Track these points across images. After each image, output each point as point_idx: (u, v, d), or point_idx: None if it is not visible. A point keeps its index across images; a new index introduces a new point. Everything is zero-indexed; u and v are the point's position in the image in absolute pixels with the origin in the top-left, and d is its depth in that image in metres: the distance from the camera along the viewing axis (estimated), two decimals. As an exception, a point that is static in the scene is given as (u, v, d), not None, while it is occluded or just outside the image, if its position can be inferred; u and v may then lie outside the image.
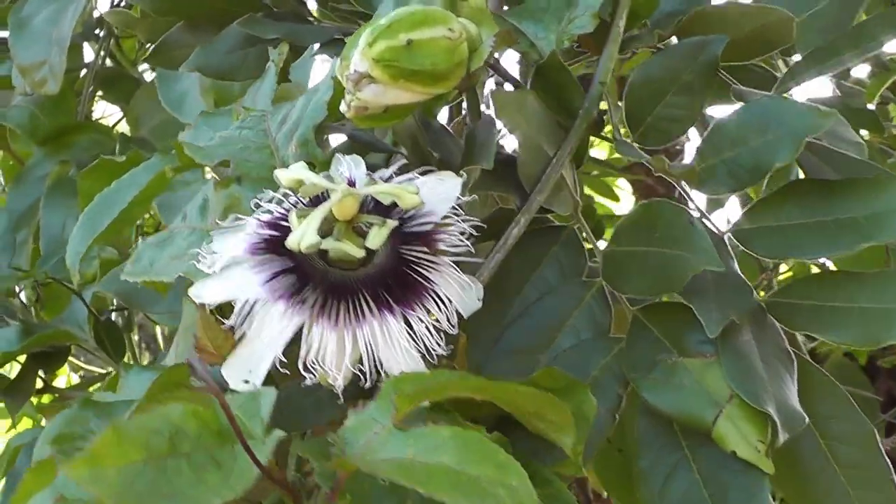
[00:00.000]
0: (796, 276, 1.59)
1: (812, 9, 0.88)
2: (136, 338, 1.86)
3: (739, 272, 0.79)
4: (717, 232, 0.81)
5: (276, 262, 0.70)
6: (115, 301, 1.91)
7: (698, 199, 0.85)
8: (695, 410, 0.72)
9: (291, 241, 0.67)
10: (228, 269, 0.71)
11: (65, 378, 2.17)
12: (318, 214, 0.67)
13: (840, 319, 0.75)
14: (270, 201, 0.74)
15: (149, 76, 1.91)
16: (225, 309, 0.73)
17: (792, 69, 0.87)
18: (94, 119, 1.91)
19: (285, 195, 0.74)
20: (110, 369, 1.71)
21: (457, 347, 0.80)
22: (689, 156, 1.84)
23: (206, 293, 0.71)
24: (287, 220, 0.72)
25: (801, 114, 0.77)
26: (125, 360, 1.59)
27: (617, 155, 1.91)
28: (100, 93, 1.88)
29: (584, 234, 0.84)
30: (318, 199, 0.72)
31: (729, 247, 0.80)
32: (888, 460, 0.75)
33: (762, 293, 0.81)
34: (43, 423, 1.78)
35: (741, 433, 0.70)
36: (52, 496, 0.62)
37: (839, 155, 0.80)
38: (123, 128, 1.89)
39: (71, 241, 0.88)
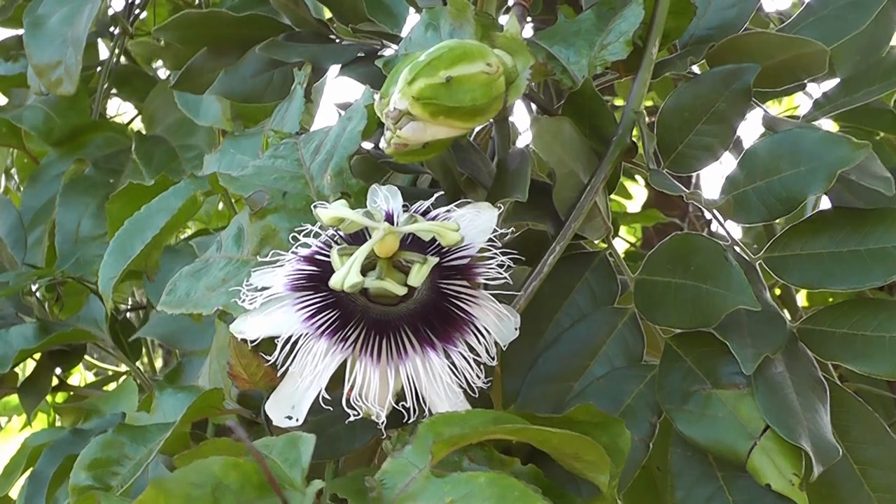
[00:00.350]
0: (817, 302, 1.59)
1: (847, 35, 0.88)
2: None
3: (772, 302, 0.79)
4: (748, 260, 0.82)
5: (317, 298, 0.71)
6: (129, 300, 1.92)
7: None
8: (729, 442, 0.72)
9: (335, 282, 0.67)
10: (269, 305, 0.72)
11: (79, 376, 2.18)
12: (361, 255, 0.68)
13: (871, 349, 0.76)
14: (308, 234, 0.75)
15: (163, 74, 1.91)
16: (263, 343, 0.73)
17: (823, 101, 0.87)
18: (108, 117, 1.91)
19: (322, 227, 0.75)
20: (123, 367, 1.72)
21: (493, 375, 0.81)
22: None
23: (247, 329, 0.72)
24: (325, 254, 0.72)
25: (834, 146, 0.77)
26: (141, 359, 1.59)
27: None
28: (114, 90, 1.88)
29: (614, 261, 0.84)
30: (357, 235, 0.73)
31: (760, 275, 0.81)
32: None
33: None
34: (58, 422, 1.79)
35: (775, 466, 0.71)
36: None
37: (865, 188, 0.81)
38: (138, 125, 1.89)
39: (103, 267, 0.89)
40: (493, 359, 0.71)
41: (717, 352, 0.76)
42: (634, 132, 0.85)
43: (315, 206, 0.72)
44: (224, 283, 0.77)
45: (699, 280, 0.76)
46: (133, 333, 1.59)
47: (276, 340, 0.70)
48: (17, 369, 1.57)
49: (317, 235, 0.75)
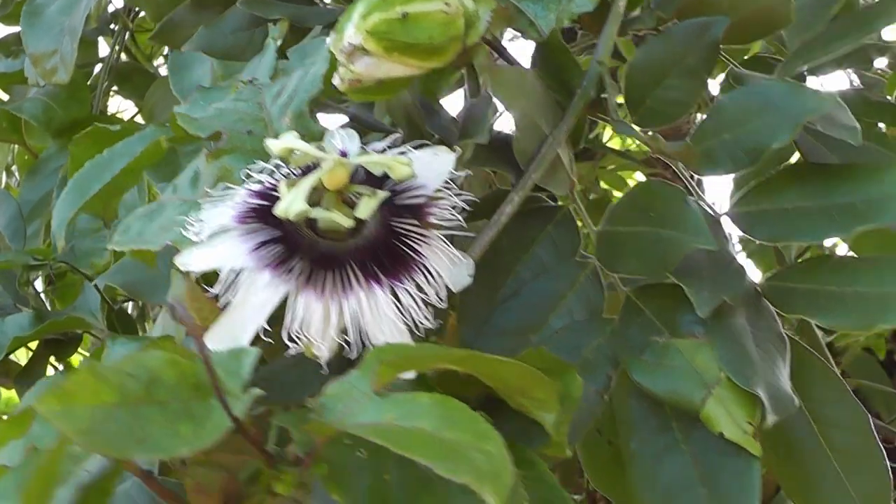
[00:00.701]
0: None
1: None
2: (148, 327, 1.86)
3: (734, 254, 0.78)
4: (713, 214, 0.80)
5: (265, 231, 0.69)
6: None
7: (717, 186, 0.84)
8: (684, 392, 0.70)
9: (280, 209, 0.66)
10: (216, 238, 0.71)
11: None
12: (308, 182, 0.67)
13: (836, 304, 0.74)
14: (261, 172, 0.74)
15: (163, 71, 1.92)
16: (211, 280, 0.72)
17: (798, 52, 0.86)
18: (109, 114, 1.92)
19: (277, 166, 0.74)
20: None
21: (447, 326, 0.79)
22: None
23: (192, 261, 0.71)
24: (277, 191, 0.71)
25: (800, 96, 0.76)
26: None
27: (633, 147, 1.90)
28: (115, 88, 1.89)
29: (579, 215, 0.83)
30: (309, 170, 0.72)
31: (724, 229, 0.79)
32: (882, 446, 0.74)
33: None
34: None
35: (730, 414, 0.69)
36: (25, 446, 0.61)
37: (839, 142, 0.79)
38: (138, 122, 1.90)
39: (57, 206, 0.87)
40: (442, 301, 0.70)
41: (676, 303, 0.74)
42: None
43: (266, 140, 0.71)
44: (177, 224, 0.76)
45: (658, 226, 0.75)
46: (130, 322, 1.58)
47: (219, 272, 0.69)
48: (16, 360, 1.57)
49: (271, 174, 0.74)
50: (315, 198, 0.69)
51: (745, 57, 0.94)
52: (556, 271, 0.80)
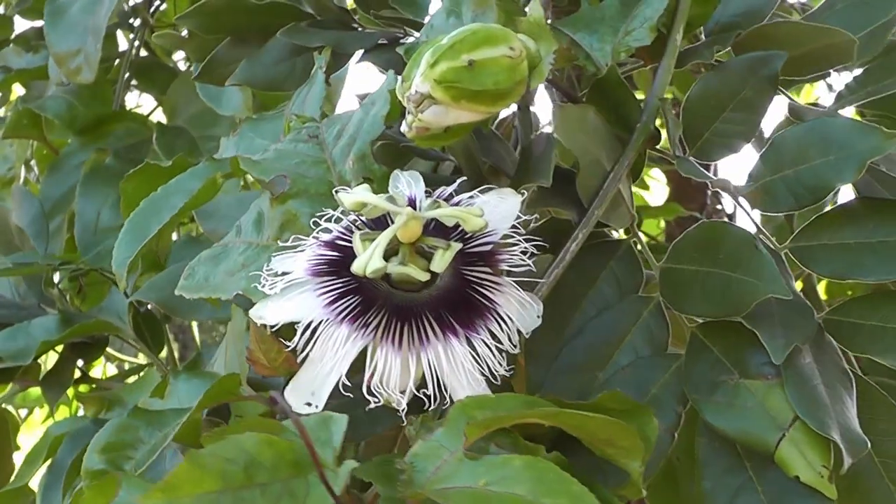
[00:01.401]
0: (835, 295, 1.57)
1: (872, 24, 0.87)
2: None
3: (798, 291, 0.78)
4: (774, 248, 0.80)
5: (339, 283, 0.70)
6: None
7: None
8: (758, 433, 0.71)
9: (357, 267, 0.66)
10: (289, 290, 0.71)
11: (100, 368, 2.19)
12: (384, 240, 0.67)
13: (902, 343, 0.75)
14: (330, 220, 0.74)
15: (183, 65, 1.91)
16: (282, 329, 0.73)
17: (846, 91, 0.86)
18: (127, 108, 1.91)
19: (344, 212, 0.74)
20: (143, 359, 1.72)
21: (516, 365, 0.80)
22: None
23: (267, 314, 0.71)
24: (347, 240, 0.71)
25: (865, 135, 0.76)
26: (162, 352, 1.59)
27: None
28: (134, 82, 1.87)
29: (639, 249, 0.83)
30: (379, 220, 0.72)
31: (787, 265, 0.80)
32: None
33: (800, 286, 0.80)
34: (80, 411, 1.79)
35: (805, 458, 0.70)
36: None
37: (894, 179, 0.79)
38: (158, 116, 1.89)
39: (117, 247, 0.87)
40: (515, 346, 0.71)
41: (744, 342, 0.75)
42: (659, 121, 0.84)
43: (337, 191, 0.71)
44: (244, 268, 0.77)
45: (728, 269, 0.75)
46: (156, 325, 1.59)
47: (296, 326, 0.70)
48: (39, 361, 1.57)
49: (338, 221, 0.74)
50: (389, 249, 0.70)
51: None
52: (620, 307, 0.80)
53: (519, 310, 0.72)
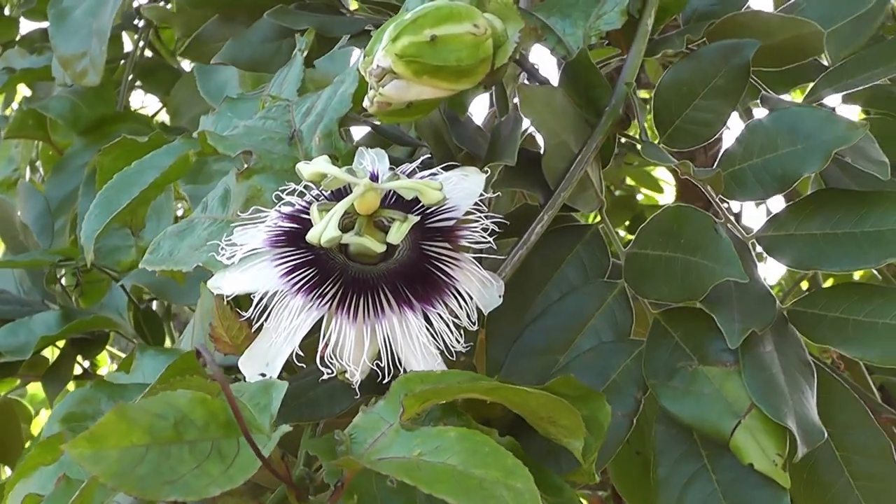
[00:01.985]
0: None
1: (851, 16, 0.87)
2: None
3: (763, 281, 0.77)
4: (741, 238, 0.80)
5: (296, 255, 0.70)
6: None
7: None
8: (714, 420, 0.70)
9: (312, 235, 0.66)
10: (248, 261, 0.71)
11: (106, 369, 2.19)
12: (340, 209, 0.67)
13: (864, 335, 0.74)
14: (292, 193, 0.74)
15: (188, 66, 1.92)
16: (242, 300, 0.73)
17: (824, 79, 0.86)
18: (131, 109, 1.93)
19: (307, 188, 0.74)
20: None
21: (476, 345, 0.79)
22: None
23: (225, 284, 0.71)
24: (308, 213, 0.71)
25: (832, 125, 0.75)
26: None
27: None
28: (138, 83, 1.89)
29: (609, 234, 0.82)
30: (340, 193, 0.72)
31: (753, 254, 0.79)
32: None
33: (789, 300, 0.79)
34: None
35: (759, 446, 0.69)
36: (57, 474, 0.62)
37: (862, 171, 0.79)
38: (162, 118, 1.90)
39: (87, 218, 0.87)
40: (473, 324, 0.70)
41: (705, 328, 0.74)
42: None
43: (298, 164, 0.71)
44: (207, 243, 0.77)
45: (689, 252, 0.74)
46: (156, 322, 1.59)
47: (252, 297, 0.70)
48: (46, 356, 1.58)
49: (302, 195, 0.74)
50: (347, 222, 0.70)
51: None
52: (584, 291, 0.80)
53: (479, 288, 0.71)
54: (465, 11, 0.73)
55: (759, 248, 0.81)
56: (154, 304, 1.74)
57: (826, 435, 0.70)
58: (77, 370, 1.60)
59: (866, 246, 0.75)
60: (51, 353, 1.61)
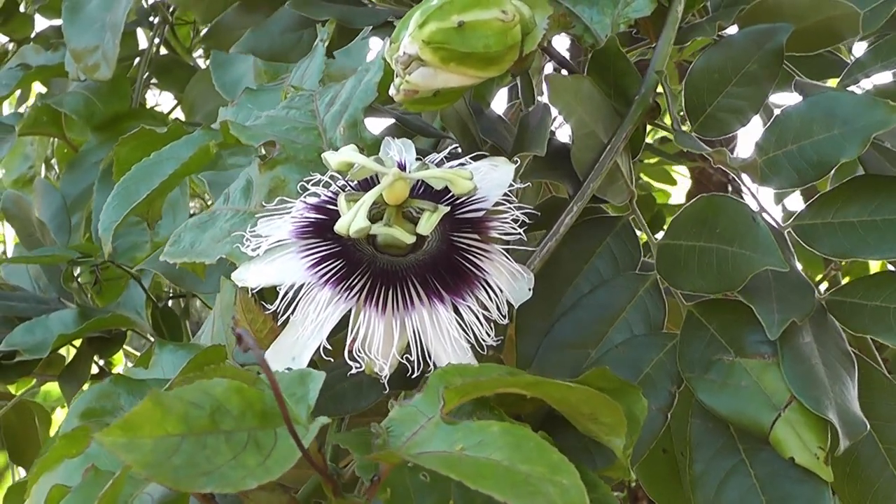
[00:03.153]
0: (857, 273, 1.54)
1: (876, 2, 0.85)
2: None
3: (800, 270, 0.75)
4: (777, 227, 0.78)
5: (323, 246, 0.68)
6: (172, 288, 1.92)
7: (763, 190, 0.82)
8: (752, 413, 0.69)
9: (340, 226, 0.65)
10: (273, 253, 0.69)
11: (121, 368, 2.19)
12: (369, 199, 0.65)
13: (906, 322, 0.72)
14: (318, 184, 0.72)
15: (203, 63, 1.91)
16: (266, 293, 0.71)
17: (859, 62, 0.84)
18: (147, 106, 1.92)
19: (333, 178, 0.72)
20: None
21: (505, 338, 0.78)
22: (742, 142, 1.80)
23: (250, 277, 0.70)
24: (334, 204, 0.70)
25: (870, 109, 0.74)
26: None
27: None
28: (154, 80, 1.88)
29: (639, 226, 0.81)
30: (367, 183, 0.70)
31: (790, 243, 0.77)
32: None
33: (826, 286, 0.78)
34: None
35: (800, 439, 0.67)
36: (84, 465, 0.60)
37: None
38: (177, 115, 1.89)
39: (105, 210, 0.86)
40: (504, 317, 0.69)
41: (741, 320, 0.73)
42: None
43: (324, 153, 0.70)
44: (230, 235, 0.75)
45: (725, 242, 0.73)
46: (174, 320, 1.58)
47: (278, 289, 0.68)
48: (63, 355, 1.57)
49: (327, 186, 0.72)
50: (375, 212, 0.68)
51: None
52: (616, 284, 0.78)
53: (509, 280, 0.70)
54: (493, -2, 0.71)
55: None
56: (171, 303, 1.73)
57: (868, 426, 0.68)
58: (94, 369, 1.58)
59: (905, 232, 0.73)
60: (67, 352, 1.60)
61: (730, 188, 1.82)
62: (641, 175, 2.08)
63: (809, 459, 0.67)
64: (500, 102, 1.28)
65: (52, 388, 1.85)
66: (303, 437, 0.54)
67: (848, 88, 0.86)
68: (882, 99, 0.74)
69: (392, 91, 0.72)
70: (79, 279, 1.64)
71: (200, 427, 0.52)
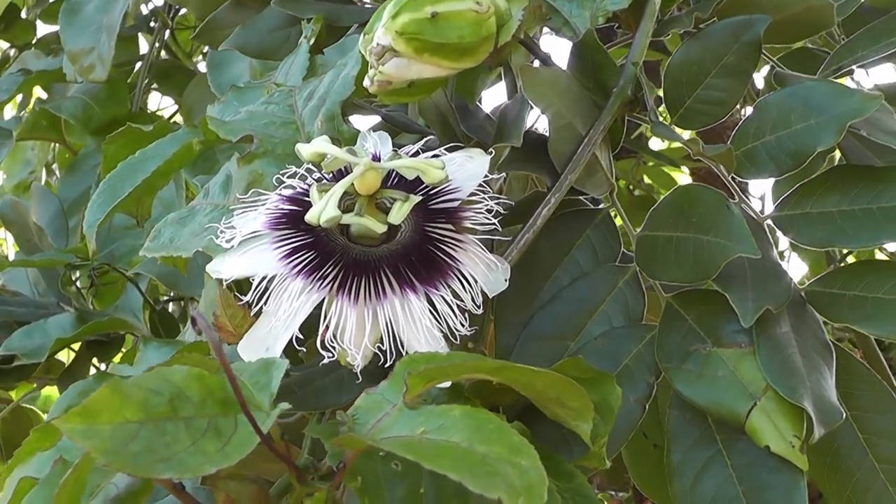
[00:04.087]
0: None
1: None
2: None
3: (778, 260, 0.75)
4: (755, 217, 0.78)
5: (297, 237, 0.68)
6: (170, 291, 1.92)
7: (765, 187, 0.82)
8: (728, 403, 0.68)
9: (312, 215, 0.65)
10: (247, 245, 0.69)
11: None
12: (340, 188, 0.66)
13: (882, 312, 0.72)
14: (293, 177, 0.72)
15: (204, 68, 1.92)
16: (245, 287, 0.71)
17: (838, 52, 0.83)
18: (150, 111, 1.93)
19: (308, 171, 0.73)
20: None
21: (485, 332, 0.77)
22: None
23: (224, 268, 0.70)
24: (309, 196, 0.70)
25: (845, 97, 0.73)
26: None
27: (674, 146, 1.87)
28: (154, 85, 1.89)
29: (618, 218, 0.81)
30: (341, 174, 0.70)
31: (769, 234, 0.77)
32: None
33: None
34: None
35: (776, 427, 0.67)
36: (54, 457, 0.61)
37: (883, 146, 0.77)
38: (179, 120, 1.90)
39: (90, 206, 0.87)
40: (478, 307, 0.68)
41: (719, 310, 0.72)
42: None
43: (297, 145, 0.70)
44: (208, 230, 0.75)
45: (700, 231, 0.72)
46: (172, 324, 1.58)
47: (251, 280, 0.68)
48: (62, 360, 1.57)
49: (303, 178, 0.73)
50: (347, 203, 0.68)
51: (793, 46, 0.91)
52: (595, 276, 0.78)
53: (484, 271, 0.70)
54: (467, -12, 0.71)
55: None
56: (170, 306, 1.73)
57: (844, 415, 0.67)
58: (92, 373, 1.59)
59: (884, 221, 0.72)
60: (66, 356, 1.60)
61: (731, 188, 1.80)
62: (644, 177, 2.07)
63: (785, 448, 0.66)
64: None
65: (53, 392, 1.85)
66: (263, 424, 0.54)
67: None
68: (858, 88, 0.73)
69: (366, 82, 0.72)
70: (77, 283, 1.64)
71: (159, 414, 0.52)
